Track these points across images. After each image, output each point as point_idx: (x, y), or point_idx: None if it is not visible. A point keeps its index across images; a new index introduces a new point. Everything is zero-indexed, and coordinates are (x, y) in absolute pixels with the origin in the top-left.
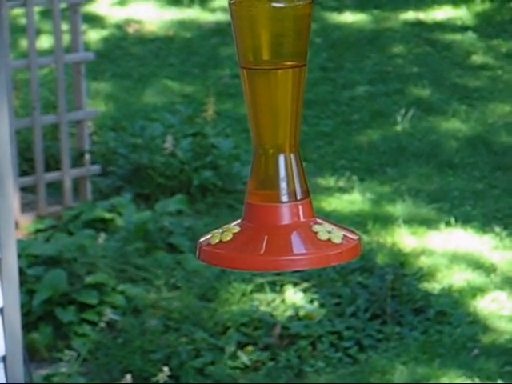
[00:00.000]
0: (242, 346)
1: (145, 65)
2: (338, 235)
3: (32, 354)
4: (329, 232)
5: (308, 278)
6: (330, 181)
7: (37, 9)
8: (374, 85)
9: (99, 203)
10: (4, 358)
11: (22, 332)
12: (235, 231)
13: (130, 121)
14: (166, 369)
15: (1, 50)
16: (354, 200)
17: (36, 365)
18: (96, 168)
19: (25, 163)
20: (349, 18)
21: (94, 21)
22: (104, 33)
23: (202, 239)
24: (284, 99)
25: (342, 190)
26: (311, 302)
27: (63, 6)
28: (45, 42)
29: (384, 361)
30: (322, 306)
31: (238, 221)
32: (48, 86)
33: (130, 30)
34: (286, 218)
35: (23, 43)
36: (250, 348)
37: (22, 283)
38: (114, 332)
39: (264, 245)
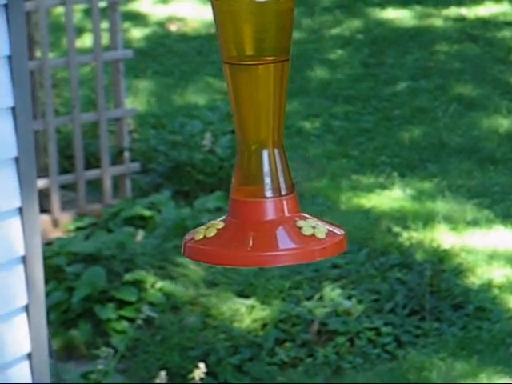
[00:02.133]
0: (279, 342)
1: (187, 62)
2: (322, 230)
3: (71, 352)
4: (313, 227)
5: (346, 274)
6: (370, 177)
7: (79, 7)
8: (415, 80)
9: (138, 200)
10: (29, 355)
11: (61, 329)
12: (219, 227)
13: (171, 118)
14: (202, 365)
15: (21, 51)
16: (394, 196)
17: (75, 362)
18: (135, 165)
19: (65, 161)
20: (391, 14)
21: (137, 19)
22: (146, 31)
23: (187, 235)
24: (266, 94)
25: (383, 186)
26: (349, 298)
27: (103, 4)
28: (87, 40)
29: (422, 357)
30: (360, 302)
31: (223, 217)
32: (89, 84)
33: (173, 27)
34: (270, 214)
35: (65, 41)
36: (287, 344)
37: (61, 281)
38: (153, 329)
39: (247, 240)
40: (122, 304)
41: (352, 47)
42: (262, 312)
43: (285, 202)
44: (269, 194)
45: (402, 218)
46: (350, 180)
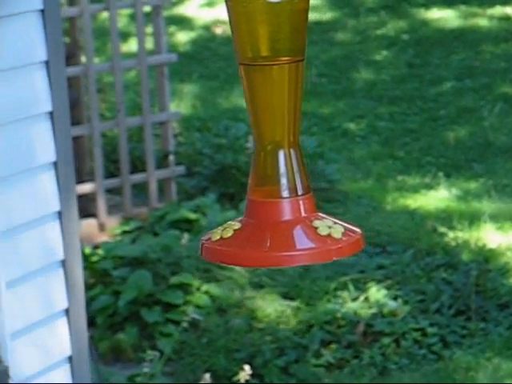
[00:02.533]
0: (325, 344)
1: (232, 65)
2: (338, 230)
3: (118, 355)
4: (329, 227)
5: (392, 275)
6: (416, 177)
7: (125, 12)
8: (460, 80)
9: (184, 204)
10: (70, 359)
11: (108, 333)
12: (236, 227)
13: (216, 121)
14: (247, 367)
15: (58, 56)
16: (440, 196)
17: (122, 365)
18: (181, 169)
19: (111, 165)
20: (436, 14)
21: (183, 22)
22: (192, 34)
23: (204, 236)
24: (281, 95)
25: (428, 187)
26: (395, 298)
27: (148, 9)
28: (133, 44)
29: (468, 357)
30: (405, 302)
31: (240, 218)
32: (134, 88)
33: (218, 30)
34: (286, 214)
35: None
36: (333, 346)
37: (107, 285)
38: (198, 331)
39: (264, 241)
40: (168, 307)
41: (397, 48)
42: (307, 314)
43: (301, 202)
44: (285, 194)
45: (447, 218)
46: (395, 181)
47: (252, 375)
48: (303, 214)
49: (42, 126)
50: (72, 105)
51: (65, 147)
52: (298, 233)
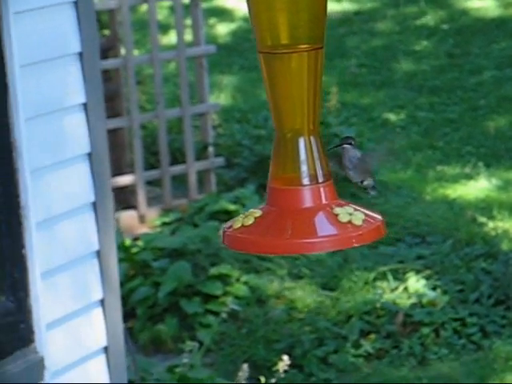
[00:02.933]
0: (364, 334)
1: None
2: (359, 217)
3: (158, 346)
4: (350, 214)
5: (431, 265)
6: (455, 167)
7: (166, 4)
8: (501, 70)
9: (223, 195)
10: (106, 349)
11: (148, 324)
12: (257, 215)
13: (255, 113)
14: (285, 358)
15: (92, 48)
16: (479, 186)
17: (162, 356)
18: (220, 160)
19: (151, 157)
20: (476, 3)
21: (223, 14)
22: (232, 26)
23: (226, 224)
24: (300, 83)
25: (468, 177)
26: (434, 289)
27: (187, 1)
28: (173, 36)
29: (508, 347)
30: (444, 292)
31: (262, 205)
32: (174, 80)
33: None
34: (307, 201)
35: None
36: (372, 336)
37: (147, 276)
38: (238, 322)
39: (285, 228)
40: (207, 298)
41: (437, 38)
42: (346, 304)
43: (322, 190)
44: (306, 181)
45: (487, 208)
46: (435, 171)
47: (291, 365)
48: (324, 201)
49: (76, 118)
50: (111, 97)
51: (99, 138)
52: (319, 220)
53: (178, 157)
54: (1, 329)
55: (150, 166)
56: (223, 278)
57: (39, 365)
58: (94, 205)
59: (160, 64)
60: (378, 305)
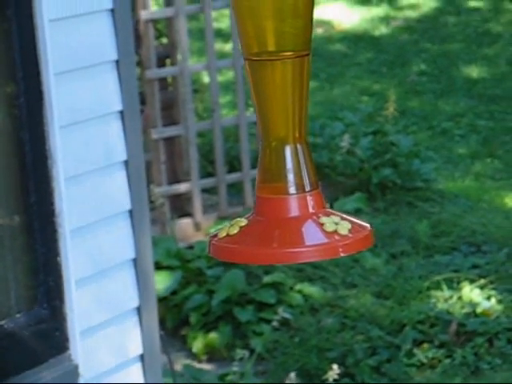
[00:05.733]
0: (417, 343)
1: (332, 65)
2: (345, 226)
3: (212, 354)
4: (336, 223)
5: (486, 274)
6: None
7: (227, 12)
8: None
9: None
10: (142, 357)
11: (202, 332)
12: (242, 224)
13: (313, 121)
14: (335, 366)
15: (129, 55)
16: None
17: (215, 364)
18: None
19: (209, 165)
20: None
21: None
22: None
23: (212, 233)
24: (285, 90)
25: None
26: (488, 298)
27: None
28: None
29: None
30: (499, 302)
31: (248, 214)
32: (233, 88)
33: (319, 30)
34: (293, 210)
35: (217, 46)
36: (426, 345)
37: (201, 284)
38: (291, 331)
39: (270, 237)
40: (261, 306)
41: (498, 46)
42: (400, 313)
43: (308, 198)
44: (292, 190)
45: None
46: (493, 180)
47: (344, 374)
48: (311, 210)
49: (112, 125)
50: (169, 105)
51: (135, 146)
52: (305, 229)
53: (235, 165)
54: (35, 336)
55: (207, 174)
56: (277, 287)
57: (74, 372)
58: (131, 212)
59: (216, 72)
60: (432, 314)
